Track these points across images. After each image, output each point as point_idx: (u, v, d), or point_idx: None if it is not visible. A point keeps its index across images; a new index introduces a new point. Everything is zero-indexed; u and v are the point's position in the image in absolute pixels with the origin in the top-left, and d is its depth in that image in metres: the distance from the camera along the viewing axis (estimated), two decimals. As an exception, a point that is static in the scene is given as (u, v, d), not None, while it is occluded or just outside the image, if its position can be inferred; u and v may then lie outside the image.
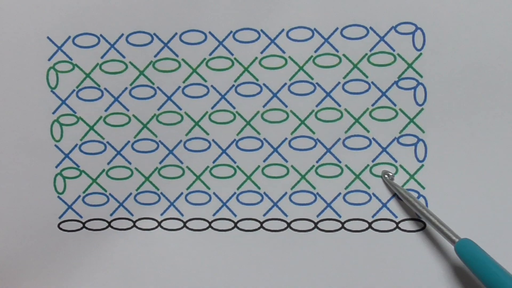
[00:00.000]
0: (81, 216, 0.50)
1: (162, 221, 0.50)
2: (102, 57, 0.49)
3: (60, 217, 0.50)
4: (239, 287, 0.49)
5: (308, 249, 0.49)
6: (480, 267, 0.42)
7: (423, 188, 0.48)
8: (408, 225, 0.49)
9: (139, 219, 0.50)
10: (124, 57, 0.49)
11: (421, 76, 0.48)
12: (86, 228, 0.50)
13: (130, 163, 0.50)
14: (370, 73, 0.48)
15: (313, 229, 0.49)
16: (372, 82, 0.48)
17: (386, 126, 0.48)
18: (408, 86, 0.48)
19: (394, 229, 0.49)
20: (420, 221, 0.48)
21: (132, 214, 0.50)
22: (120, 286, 0.50)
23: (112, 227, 0.50)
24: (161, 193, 0.50)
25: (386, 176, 0.48)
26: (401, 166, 0.48)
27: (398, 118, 0.48)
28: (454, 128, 0.47)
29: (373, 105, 0.48)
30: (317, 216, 0.49)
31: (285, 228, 0.49)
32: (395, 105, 0.48)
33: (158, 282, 0.50)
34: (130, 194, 0.50)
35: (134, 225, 0.50)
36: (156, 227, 0.50)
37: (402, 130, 0.48)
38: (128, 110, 0.49)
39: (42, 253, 0.50)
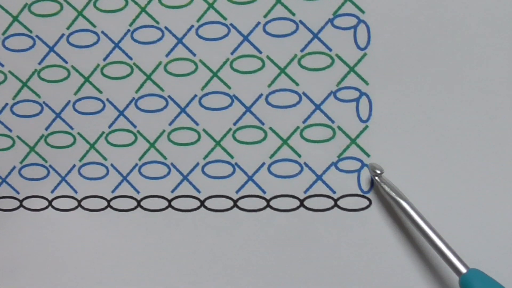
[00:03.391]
0: (-45, 195, 0.42)
1: (53, 199, 0.41)
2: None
3: None
4: (142, 274, 0.40)
5: (226, 232, 0.40)
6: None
7: (368, 155, 0.38)
8: (348, 202, 0.39)
9: (26, 197, 0.41)
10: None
11: (363, 12, 0.37)
12: (-36, 209, 0.42)
13: (10, 130, 0.41)
14: (298, 10, 0.38)
15: (232, 208, 0.40)
16: (300, 21, 0.38)
17: (319, 77, 0.38)
18: (346, 25, 0.37)
19: (332, 207, 0.39)
20: (365, 197, 0.38)
21: (17, 192, 0.41)
22: (5, 275, 0.41)
23: (-6, 207, 0.42)
24: (50, 165, 0.41)
25: (376, 177, 0.37)
26: (339, 128, 0.38)
27: (334, 66, 0.38)
28: (405, 78, 0.37)
29: (302, 50, 0.38)
30: (237, 192, 0.39)
31: (198, 208, 0.40)
32: (330, 50, 0.38)
33: (49, 270, 0.41)
34: (14, 167, 0.41)
35: (21, 205, 0.41)
36: (47, 207, 0.41)
37: (340, 82, 0.38)
38: (2, 65, 0.40)
39: None
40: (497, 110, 0.36)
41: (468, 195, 0.37)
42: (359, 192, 0.38)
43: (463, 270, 0.34)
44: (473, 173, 0.37)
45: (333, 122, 0.38)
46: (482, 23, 0.36)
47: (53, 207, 0.41)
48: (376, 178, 0.37)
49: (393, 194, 0.36)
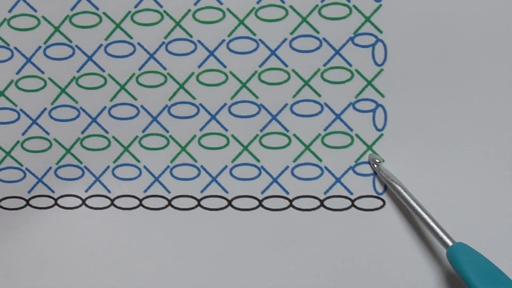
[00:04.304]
0: (-6, 194, 0.44)
1: (86, 198, 0.44)
2: (9, 11, 0.42)
3: (-30, 195, 0.44)
4: (172, 271, 0.44)
5: (252, 229, 0.43)
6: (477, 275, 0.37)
7: (383, 161, 0.42)
8: (365, 202, 0.43)
9: (61, 196, 0.44)
10: (35, 11, 0.42)
11: (381, 32, 0.41)
12: (2, 207, 0.44)
13: (48, 133, 0.43)
14: (322, 28, 0.41)
15: (257, 207, 0.43)
16: (323, 39, 0.41)
17: (340, 89, 0.42)
18: (365, 43, 0.41)
19: (349, 207, 0.43)
20: (379, 198, 0.42)
21: (53, 191, 0.44)
22: (40, 270, 0.44)
23: (31, 205, 0.44)
24: (85, 166, 0.44)
25: (374, 165, 0.41)
26: (357, 135, 0.42)
27: (354, 80, 0.42)
28: (418, 92, 0.41)
29: (325, 65, 0.42)
30: (262, 192, 0.43)
31: (226, 207, 0.43)
32: (350, 65, 0.41)
33: (82, 266, 0.44)
34: (50, 168, 0.44)
35: (56, 203, 0.44)
36: (80, 206, 0.44)
37: (358, 94, 0.42)
38: (43, 72, 0.43)
39: (-48, 235, 0.44)
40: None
41: (468, 194, 0.42)
42: (374, 194, 0.43)
43: (450, 243, 0.38)
44: (475, 174, 0.41)
45: (351, 130, 0.42)
46: (495, 41, 0.40)
47: (86, 205, 0.44)
48: (375, 165, 0.41)
49: (389, 179, 0.41)
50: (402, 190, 0.40)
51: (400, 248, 0.42)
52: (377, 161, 0.41)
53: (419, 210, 0.40)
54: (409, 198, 0.40)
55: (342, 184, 0.43)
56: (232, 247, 0.43)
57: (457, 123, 0.41)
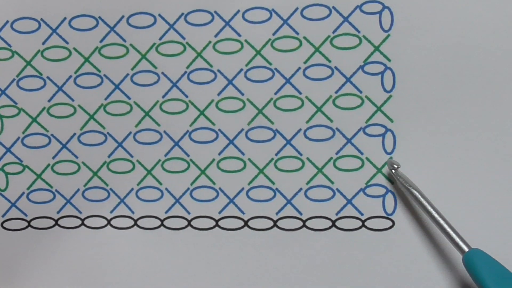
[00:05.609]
0: (25, 214, 0.47)
1: (111, 219, 0.46)
2: (43, 43, 0.45)
3: (3, 216, 0.47)
4: (190, 286, 0.46)
5: (267, 249, 0.45)
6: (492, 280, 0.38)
7: (392, 183, 0.44)
8: (375, 223, 0.44)
9: (88, 217, 0.47)
10: (67, 43, 0.45)
11: (389, 60, 0.43)
12: (32, 226, 0.47)
13: (76, 157, 0.46)
14: (333, 57, 0.44)
15: (272, 227, 0.45)
16: (335, 67, 0.44)
17: (351, 115, 0.44)
18: (375, 71, 0.44)
19: (360, 227, 0.45)
20: (388, 219, 0.44)
21: (80, 212, 0.47)
22: (67, 286, 0.47)
23: (59, 225, 0.47)
24: (111, 189, 0.46)
25: (392, 170, 0.43)
26: (367, 158, 0.44)
27: (364, 106, 0.44)
28: (425, 117, 0.43)
29: (336, 92, 0.44)
30: (277, 213, 0.45)
31: (242, 227, 0.45)
32: (360, 92, 0.44)
33: (107, 283, 0.46)
34: (78, 190, 0.46)
35: (83, 223, 0.47)
36: (106, 226, 0.46)
37: (368, 119, 0.44)
38: (73, 100, 0.46)
39: (-15, 253, 0.47)
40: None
41: (483, 201, 0.43)
42: (384, 214, 0.44)
43: (466, 249, 0.40)
44: (488, 184, 0.43)
45: (362, 153, 0.44)
46: (501, 68, 0.42)
47: (111, 225, 0.47)
48: (393, 171, 0.43)
49: (406, 185, 0.42)
50: (419, 196, 0.42)
51: (409, 266, 0.44)
52: (395, 166, 0.43)
53: (436, 215, 0.41)
54: (426, 204, 0.41)
55: (353, 206, 0.45)
56: (248, 265, 0.45)
57: (464, 145, 0.43)
